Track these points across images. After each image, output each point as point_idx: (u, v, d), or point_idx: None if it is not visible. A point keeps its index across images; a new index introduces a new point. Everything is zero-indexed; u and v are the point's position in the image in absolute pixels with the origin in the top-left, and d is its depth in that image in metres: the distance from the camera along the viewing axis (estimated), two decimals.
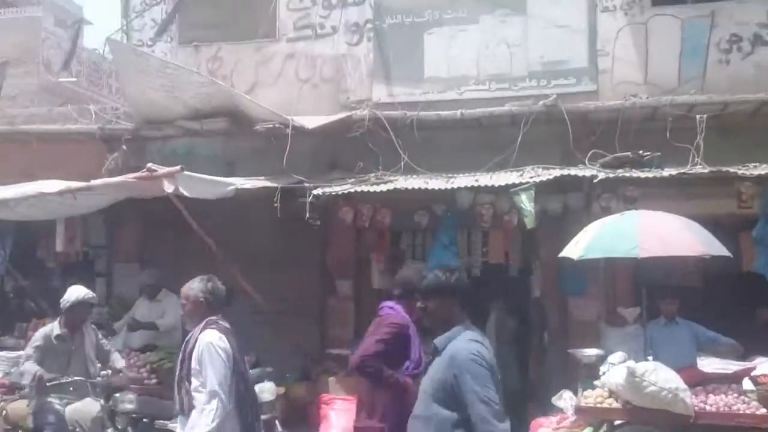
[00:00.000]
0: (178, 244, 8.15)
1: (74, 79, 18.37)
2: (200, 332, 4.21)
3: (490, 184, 6.74)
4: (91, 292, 6.29)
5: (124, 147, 8.47)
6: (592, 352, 6.37)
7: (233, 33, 8.94)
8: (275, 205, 6.86)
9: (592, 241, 5.47)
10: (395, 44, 8.22)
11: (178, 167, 6.33)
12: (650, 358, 5.89)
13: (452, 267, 3.63)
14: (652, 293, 6.31)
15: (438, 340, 3.36)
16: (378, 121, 7.75)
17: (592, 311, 7.38)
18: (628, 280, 7.30)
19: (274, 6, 8.66)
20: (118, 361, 6.39)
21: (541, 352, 7.96)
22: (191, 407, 4.11)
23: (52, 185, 6.83)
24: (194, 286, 4.35)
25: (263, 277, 7.62)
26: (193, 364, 4.13)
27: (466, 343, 3.25)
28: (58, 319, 6.21)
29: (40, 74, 18.26)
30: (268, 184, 7.20)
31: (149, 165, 6.46)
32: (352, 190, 7.01)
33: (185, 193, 6.47)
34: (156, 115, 8.31)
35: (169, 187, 6.25)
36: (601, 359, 6.23)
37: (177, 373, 4.28)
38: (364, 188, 7.04)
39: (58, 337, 6.04)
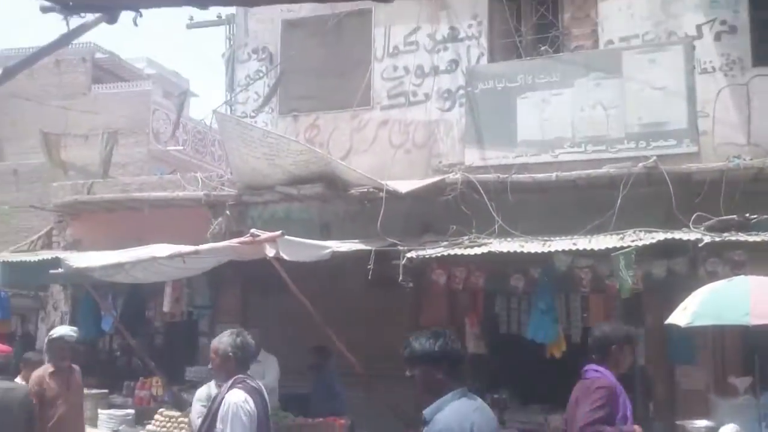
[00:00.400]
0: (276, 305, 8.38)
1: (180, 148, 19.49)
2: (227, 391, 4.15)
3: (589, 248, 6.60)
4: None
5: (227, 212, 8.89)
6: (701, 423, 6.03)
7: (330, 103, 9.32)
8: (369, 267, 6.96)
9: (700, 307, 5.24)
10: (487, 109, 8.33)
11: (278, 232, 6.56)
12: (766, 430, 5.51)
13: (439, 331, 3.38)
14: (765, 361, 5.94)
15: (427, 411, 3.15)
16: (470, 185, 7.82)
17: (700, 380, 7.02)
18: (738, 348, 6.92)
19: (369, 76, 9.00)
20: None
21: (646, 423, 7.56)
22: None
23: (163, 250, 7.20)
24: (224, 341, 4.28)
25: (357, 339, 7.67)
26: (218, 423, 4.09)
27: (452, 415, 3.06)
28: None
29: (149, 143, 19.49)
30: (363, 246, 7.33)
31: (252, 230, 6.73)
32: (445, 253, 7.03)
33: (285, 257, 6.67)
34: (257, 181, 8.70)
35: (270, 251, 6.47)
36: None
37: (200, 429, 4.29)
38: (458, 251, 7.05)
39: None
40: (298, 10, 9.09)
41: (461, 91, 8.59)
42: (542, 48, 8.34)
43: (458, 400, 3.10)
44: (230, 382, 4.18)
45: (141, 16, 3.26)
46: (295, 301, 7.19)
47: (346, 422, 6.32)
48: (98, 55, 20.62)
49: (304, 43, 9.59)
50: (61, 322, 10.24)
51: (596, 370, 4.16)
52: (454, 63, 8.69)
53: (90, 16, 3.31)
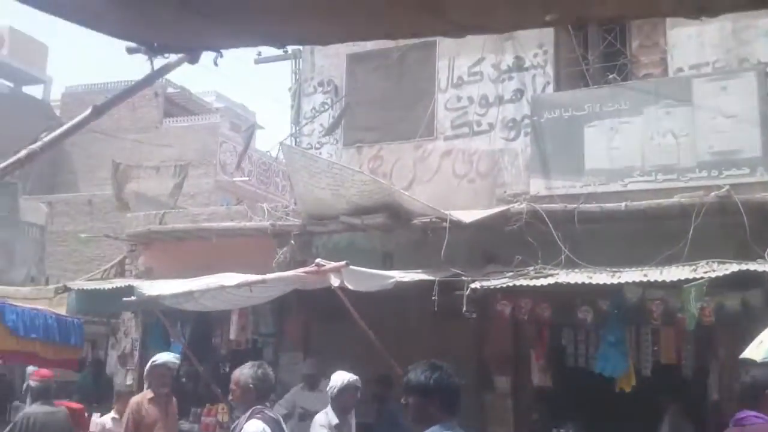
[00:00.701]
0: (339, 334, 8.41)
1: (246, 179, 20.01)
2: (245, 421, 4.18)
3: (660, 279, 6.43)
4: (354, 375, 5.92)
5: (292, 242, 9.03)
6: None
7: (393, 134, 9.42)
8: (433, 298, 6.94)
9: None
10: (553, 138, 8.27)
11: (343, 262, 6.65)
12: None
13: (436, 364, 3.38)
14: None
15: None
16: (536, 215, 7.74)
17: None
18: None
19: (432, 107, 9.07)
20: None
21: None
22: None
23: (231, 278, 7.37)
24: (245, 372, 4.34)
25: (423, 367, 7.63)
26: None
27: None
28: (329, 406, 5.84)
29: (216, 174, 20.06)
30: (426, 277, 7.33)
31: (318, 260, 6.83)
32: (510, 284, 6.96)
33: (349, 286, 6.74)
34: (322, 211, 8.83)
35: (335, 281, 6.55)
36: None
37: None
38: (524, 282, 6.97)
39: (336, 426, 5.71)
40: (363, 44, 9.26)
41: (526, 120, 8.55)
42: (610, 76, 8.25)
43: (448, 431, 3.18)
44: (249, 412, 4.22)
45: (222, 56, 3.40)
46: (358, 331, 7.22)
47: None
48: (170, 90, 21.47)
49: (369, 75, 9.76)
50: (132, 349, 10.55)
51: (757, 416, 3.89)
52: (519, 92, 8.68)
53: (173, 57, 3.47)
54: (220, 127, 20.84)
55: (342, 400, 5.74)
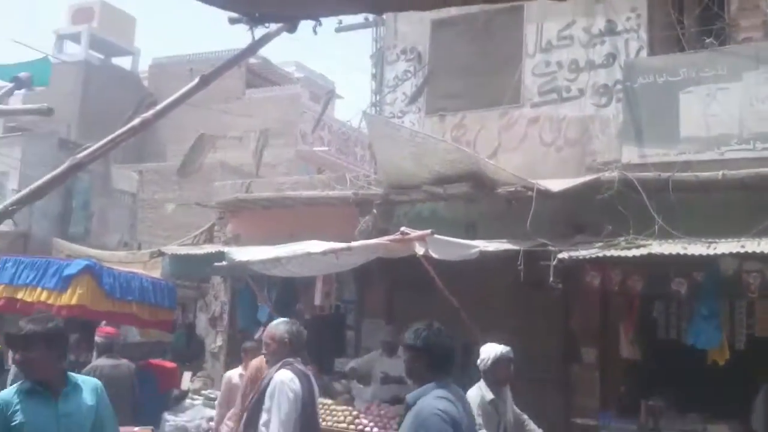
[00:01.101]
0: (421, 303, 8.43)
1: (326, 148, 20.24)
2: (276, 371, 4.44)
3: (758, 251, 6.15)
4: (506, 347, 5.42)
5: (374, 211, 9.10)
6: None
7: (478, 101, 9.28)
8: (519, 268, 6.87)
9: None
10: (647, 104, 7.96)
11: (428, 231, 6.66)
12: None
13: (430, 324, 3.53)
14: None
15: (410, 396, 3.44)
16: (628, 183, 7.51)
17: None
18: None
19: (519, 73, 8.88)
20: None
21: None
22: None
23: (317, 246, 7.51)
24: (281, 327, 4.61)
25: (503, 339, 7.59)
26: (266, 400, 4.37)
27: (432, 400, 3.31)
28: (482, 380, 5.26)
29: (297, 144, 20.37)
30: (511, 246, 7.25)
31: (402, 228, 6.87)
32: (600, 255, 6.81)
33: (434, 255, 6.75)
34: (404, 181, 8.84)
35: (420, 250, 6.58)
36: None
37: (250, 406, 4.56)
38: (614, 253, 6.80)
39: (492, 402, 5.15)
40: (447, 10, 9.12)
41: (618, 86, 8.25)
42: (707, 41, 7.85)
43: (441, 389, 3.36)
44: (279, 364, 4.50)
45: (320, 25, 3.43)
46: (440, 299, 7.24)
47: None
48: (252, 61, 21.82)
49: (453, 41, 9.62)
50: (221, 312, 10.95)
51: None
52: (611, 57, 8.38)
53: (273, 27, 3.52)
54: (300, 97, 21.10)
55: (495, 374, 5.26)
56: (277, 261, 7.84)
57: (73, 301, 8.55)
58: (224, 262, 8.42)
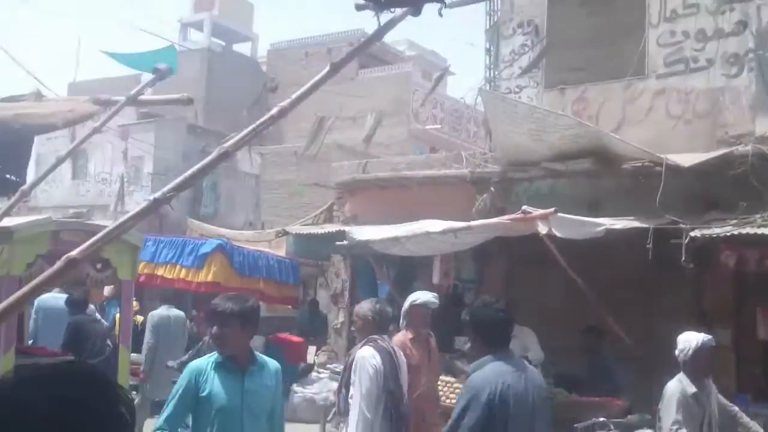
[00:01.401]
0: (541, 282, 8.37)
1: (438, 126, 20.20)
2: (360, 347, 4.63)
3: None
4: (706, 335, 4.95)
5: (492, 189, 9.04)
6: None
7: (599, 74, 8.97)
8: (648, 246, 6.63)
9: None
10: None
11: (552, 209, 6.57)
12: None
13: (484, 300, 3.84)
14: None
15: (471, 366, 3.67)
16: (763, 157, 7.07)
17: None
18: None
19: (643, 44, 8.50)
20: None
21: None
22: (347, 412, 4.54)
23: (435, 225, 7.58)
24: (364, 306, 4.83)
25: (631, 319, 7.40)
26: (352, 375, 4.58)
27: (483, 372, 3.53)
28: (681, 372, 4.81)
29: (409, 123, 20.46)
30: (639, 224, 7.01)
31: (524, 207, 6.80)
32: (735, 233, 6.46)
33: (557, 234, 6.65)
34: (522, 157, 8.71)
35: (542, 228, 6.50)
36: None
37: (342, 381, 4.77)
38: (750, 230, 6.43)
39: (693, 396, 4.68)
40: None
41: (751, 55, 7.74)
42: None
43: (497, 362, 3.51)
44: (364, 341, 4.68)
45: (445, 6, 3.44)
46: (562, 279, 7.13)
47: (624, 404, 6.14)
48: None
49: (572, 12, 9.32)
50: (342, 290, 11.28)
51: None
52: (742, 24, 7.85)
53: (398, 11, 3.58)
54: (412, 76, 21.13)
55: (697, 364, 4.79)
56: (396, 240, 7.98)
57: (209, 279, 9.11)
58: (345, 242, 8.66)
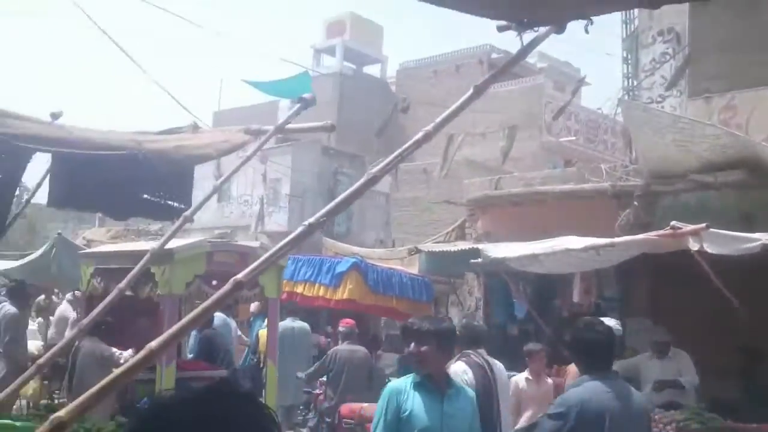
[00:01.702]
0: (689, 300, 7.90)
1: (572, 138, 19.66)
2: (453, 362, 4.45)
3: None
4: None
5: (635, 203, 8.66)
6: None
7: (748, 80, 8.46)
8: None
9: None
10: None
11: (703, 225, 6.21)
12: None
13: (587, 320, 3.89)
14: None
15: (569, 385, 3.78)
16: None
17: None
18: None
19: None
20: None
21: None
22: None
23: (576, 242, 7.36)
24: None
25: None
26: None
27: (576, 389, 3.54)
28: None
29: (541, 136, 20.07)
30: None
31: (673, 223, 6.48)
32: None
33: (709, 250, 6.27)
34: (667, 169, 8.32)
35: (694, 245, 6.16)
36: None
37: None
38: None
39: None
40: None
41: None
42: None
43: (594, 382, 3.46)
44: (458, 356, 4.58)
45: (592, 23, 3.37)
46: (714, 297, 6.69)
47: None
48: (494, 56, 21.94)
49: (716, 17, 8.82)
50: (476, 308, 11.20)
51: None
52: None
53: (541, 30, 3.54)
54: (544, 88, 20.75)
55: None
56: (534, 257, 7.82)
57: (345, 296, 9.37)
58: (480, 259, 8.60)
